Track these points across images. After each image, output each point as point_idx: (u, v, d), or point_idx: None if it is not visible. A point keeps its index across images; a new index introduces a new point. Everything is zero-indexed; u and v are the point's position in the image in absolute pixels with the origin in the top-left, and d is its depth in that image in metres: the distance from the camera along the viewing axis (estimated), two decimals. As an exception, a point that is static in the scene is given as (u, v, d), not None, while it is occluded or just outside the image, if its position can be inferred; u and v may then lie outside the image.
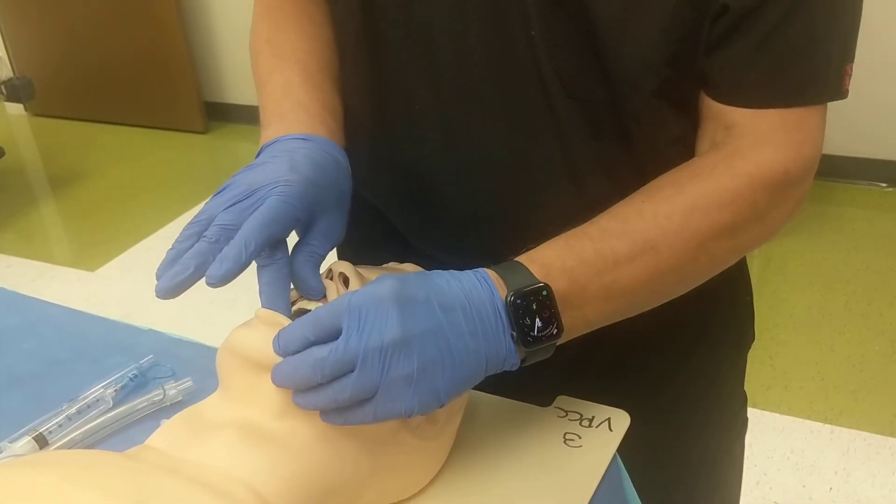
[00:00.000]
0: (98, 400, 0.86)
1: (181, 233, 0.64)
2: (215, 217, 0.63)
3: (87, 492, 0.47)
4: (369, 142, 0.83)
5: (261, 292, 0.63)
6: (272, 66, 0.82)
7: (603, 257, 0.64)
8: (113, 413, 0.84)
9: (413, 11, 0.74)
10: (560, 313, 0.62)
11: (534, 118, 0.74)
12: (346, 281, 0.65)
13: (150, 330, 1.01)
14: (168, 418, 0.84)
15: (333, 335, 0.56)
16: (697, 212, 0.65)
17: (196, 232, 0.63)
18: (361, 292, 0.56)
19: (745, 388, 1.01)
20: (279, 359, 0.58)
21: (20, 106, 4.54)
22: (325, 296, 0.65)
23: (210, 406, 0.62)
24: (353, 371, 0.54)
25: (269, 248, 0.63)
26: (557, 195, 0.77)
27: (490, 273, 0.61)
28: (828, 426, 2.07)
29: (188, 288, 0.61)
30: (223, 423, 0.59)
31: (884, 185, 3.15)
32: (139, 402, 0.85)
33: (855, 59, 0.70)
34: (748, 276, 0.96)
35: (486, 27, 0.72)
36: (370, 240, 0.91)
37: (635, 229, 0.65)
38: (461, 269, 0.63)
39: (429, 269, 0.66)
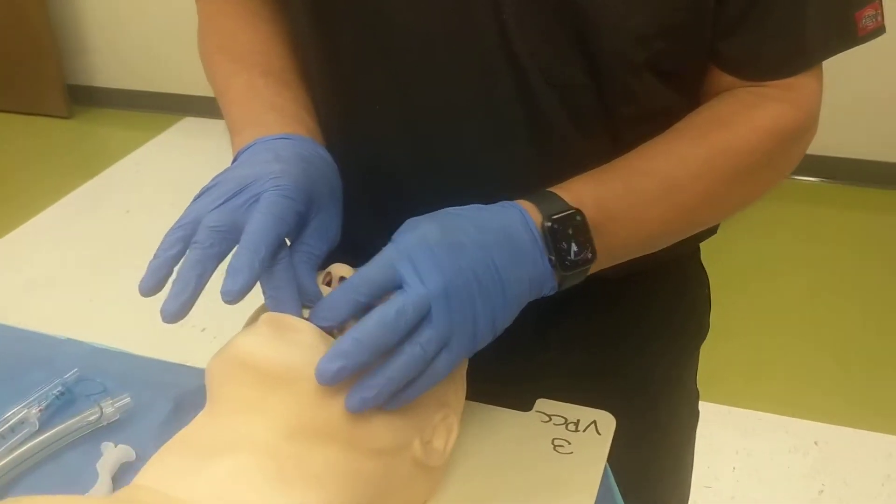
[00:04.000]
0: (22, 422, 0.76)
1: (164, 239, 0.56)
2: (203, 219, 0.55)
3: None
4: (331, 141, 0.77)
5: (268, 298, 0.56)
6: (230, 72, 0.75)
7: (632, 191, 0.67)
8: (43, 437, 0.74)
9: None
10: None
11: (507, 111, 0.70)
12: None
13: (70, 340, 0.91)
14: (108, 441, 0.75)
15: (385, 292, 0.54)
16: (719, 158, 0.69)
17: (182, 237, 0.55)
18: (406, 240, 0.55)
19: None
20: (292, 367, 0.51)
21: None
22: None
23: (202, 428, 0.54)
24: (426, 321, 0.53)
25: None
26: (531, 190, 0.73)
27: (521, 203, 0.62)
28: (726, 407, 2.14)
29: (193, 304, 0.53)
30: (225, 448, 0.51)
31: (817, 179, 3.22)
32: (72, 423, 0.76)
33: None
34: (704, 268, 0.96)
35: (450, 13, 0.67)
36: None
37: (662, 168, 0.68)
38: None
39: None
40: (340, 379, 0.51)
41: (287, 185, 0.57)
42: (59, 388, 0.80)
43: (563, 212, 0.62)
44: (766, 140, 0.69)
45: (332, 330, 0.55)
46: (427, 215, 0.58)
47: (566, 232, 0.61)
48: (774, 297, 2.59)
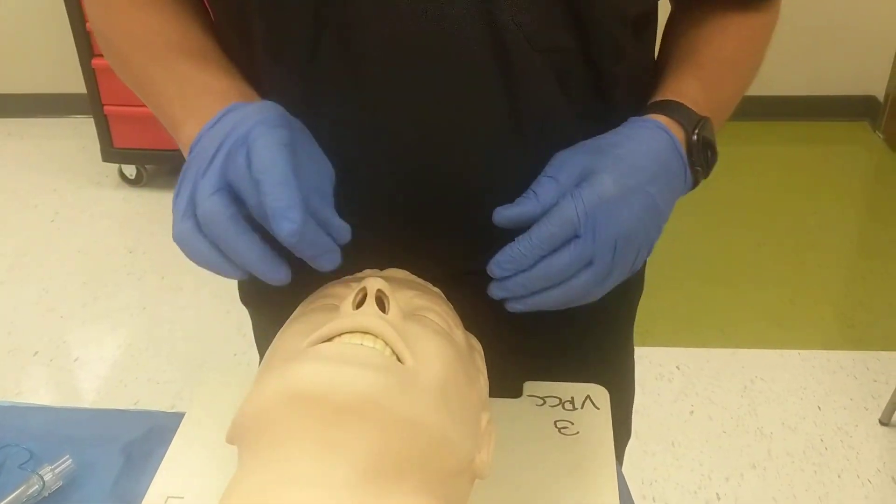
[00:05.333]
0: (-57, 514, 0.64)
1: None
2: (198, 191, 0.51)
3: None
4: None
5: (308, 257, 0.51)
6: (144, 61, 0.67)
7: (721, 81, 0.71)
8: (-22, 526, 0.62)
9: None
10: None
11: (487, 80, 0.64)
12: (379, 301, 0.52)
13: (-33, 402, 0.77)
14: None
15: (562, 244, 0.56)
16: (757, 34, 0.75)
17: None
18: (585, 197, 0.56)
19: None
20: (368, 395, 0.45)
21: None
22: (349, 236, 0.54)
23: (262, 475, 0.46)
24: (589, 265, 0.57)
25: None
26: (507, 165, 0.68)
27: (662, 120, 0.64)
28: (644, 348, 2.19)
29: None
30: (297, 496, 0.44)
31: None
32: (11, 500, 0.65)
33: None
34: None
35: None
36: None
37: (731, 54, 0.72)
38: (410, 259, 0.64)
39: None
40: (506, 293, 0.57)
41: (271, 116, 0.53)
42: (-23, 463, 0.68)
43: (698, 122, 0.64)
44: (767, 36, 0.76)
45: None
46: (592, 149, 0.60)
47: (706, 141, 0.64)
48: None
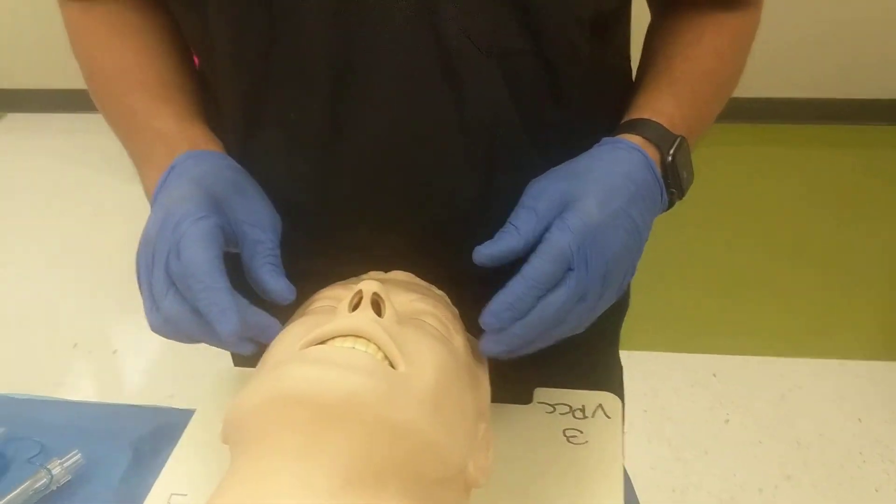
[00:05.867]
0: (-49, 504, 0.65)
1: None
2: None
3: None
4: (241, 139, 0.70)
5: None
6: (110, 98, 0.71)
7: (697, 96, 0.69)
8: (-15, 517, 0.63)
9: None
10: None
11: (434, 89, 0.63)
12: (374, 304, 0.51)
13: (-15, 394, 0.78)
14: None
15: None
16: (737, 41, 0.73)
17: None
18: (574, 227, 0.54)
19: None
20: (356, 394, 0.45)
21: None
22: (294, 296, 0.56)
23: (245, 488, 0.45)
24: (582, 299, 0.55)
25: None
26: (469, 178, 0.67)
27: (636, 141, 0.62)
28: (625, 352, 2.16)
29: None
30: None
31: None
32: (17, 494, 0.65)
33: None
34: None
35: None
36: None
37: (709, 66, 0.70)
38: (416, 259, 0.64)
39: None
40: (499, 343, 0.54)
41: (195, 200, 0.56)
42: (-11, 454, 0.69)
43: (673, 143, 0.63)
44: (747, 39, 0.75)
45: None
46: (568, 175, 0.58)
47: (681, 161, 0.64)
48: (662, 235, 2.64)
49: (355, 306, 0.51)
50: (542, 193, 0.57)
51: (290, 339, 0.51)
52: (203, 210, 0.56)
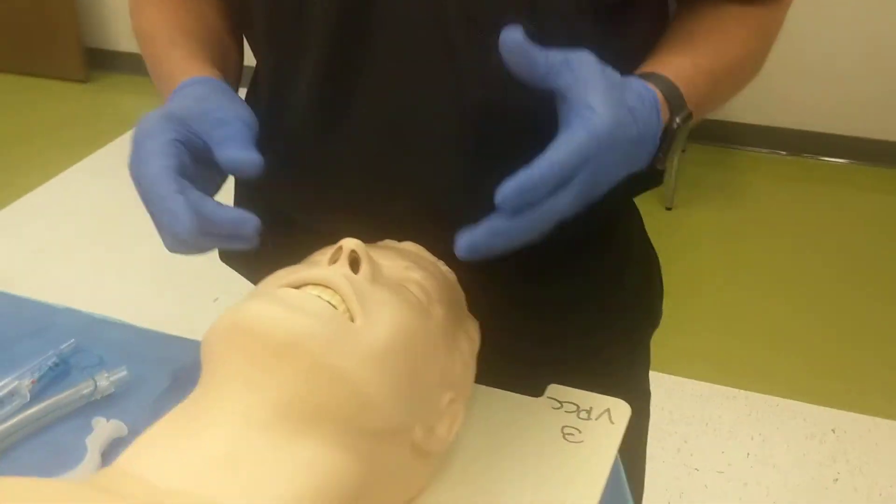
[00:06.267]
0: (13, 394, 0.74)
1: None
2: None
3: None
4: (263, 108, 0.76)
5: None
6: (148, 54, 0.78)
7: (713, 72, 0.69)
8: (33, 410, 0.71)
9: None
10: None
11: (435, 70, 0.67)
12: (353, 262, 0.55)
13: (68, 309, 0.88)
14: (101, 415, 0.73)
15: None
16: (757, 31, 0.74)
17: None
18: (597, 133, 0.53)
19: (661, 355, 0.98)
20: (301, 334, 0.49)
21: None
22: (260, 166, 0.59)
23: (193, 406, 0.51)
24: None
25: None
26: (464, 159, 0.70)
27: (659, 96, 0.63)
28: (743, 392, 2.10)
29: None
30: (214, 428, 0.48)
31: (784, 153, 3.22)
32: (65, 395, 0.73)
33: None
34: (652, 246, 0.93)
35: None
36: None
37: (724, 50, 0.71)
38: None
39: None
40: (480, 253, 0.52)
41: (149, 131, 0.59)
42: (54, 359, 0.78)
43: (683, 111, 0.64)
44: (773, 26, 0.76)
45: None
46: (611, 78, 0.57)
47: (680, 132, 0.64)
48: (792, 279, 2.54)
49: (335, 260, 0.55)
50: (583, 71, 0.56)
51: (273, 280, 0.55)
52: (158, 131, 0.59)
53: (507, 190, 0.52)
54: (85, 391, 0.74)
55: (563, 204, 0.54)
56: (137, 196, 0.58)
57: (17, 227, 2.87)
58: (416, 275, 0.59)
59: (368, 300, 0.53)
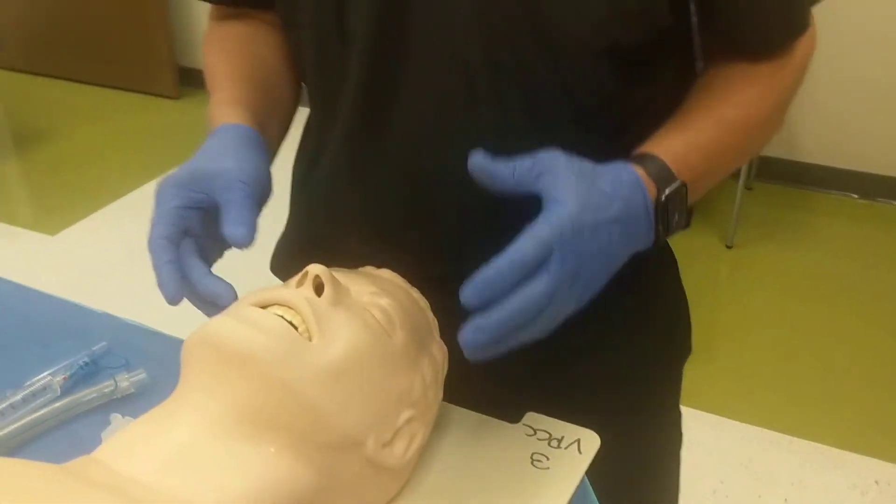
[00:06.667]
0: (45, 388, 0.82)
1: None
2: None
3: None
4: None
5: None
6: (208, 87, 0.85)
7: (713, 143, 0.72)
8: (60, 403, 0.79)
9: (342, 16, 0.73)
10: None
11: (461, 109, 0.72)
12: (319, 287, 0.61)
13: (106, 314, 0.96)
14: (117, 412, 0.80)
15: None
16: (767, 97, 0.76)
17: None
18: (563, 222, 0.57)
19: (709, 394, 1.00)
20: (252, 350, 0.55)
21: (-14, 58, 4.41)
22: (250, 242, 0.65)
23: (168, 408, 0.58)
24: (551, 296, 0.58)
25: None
26: (486, 197, 0.74)
27: (639, 172, 0.66)
28: (787, 436, 2.08)
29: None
30: (179, 432, 0.55)
31: (856, 196, 3.16)
32: (87, 393, 0.81)
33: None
34: (683, 289, 0.95)
35: (411, 26, 0.70)
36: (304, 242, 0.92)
37: (729, 115, 0.73)
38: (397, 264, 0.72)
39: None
40: (482, 352, 0.57)
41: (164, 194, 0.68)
42: (85, 359, 0.86)
43: (672, 184, 0.67)
44: (798, 73, 0.77)
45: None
46: (575, 171, 0.61)
47: (674, 205, 0.67)
48: (850, 326, 2.49)
49: (302, 284, 0.61)
50: (552, 162, 0.61)
51: (244, 299, 0.62)
52: (167, 197, 0.68)
53: (467, 288, 0.56)
54: (106, 390, 0.82)
55: (539, 293, 0.56)
56: None
57: (102, 232, 3.04)
58: (382, 300, 0.64)
59: (327, 321, 0.58)
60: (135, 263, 2.79)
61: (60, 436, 0.78)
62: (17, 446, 0.76)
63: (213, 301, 0.64)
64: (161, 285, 0.64)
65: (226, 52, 0.86)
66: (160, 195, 0.68)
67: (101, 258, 2.88)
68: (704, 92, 0.75)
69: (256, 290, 0.64)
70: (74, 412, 0.80)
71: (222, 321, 0.57)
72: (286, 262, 0.95)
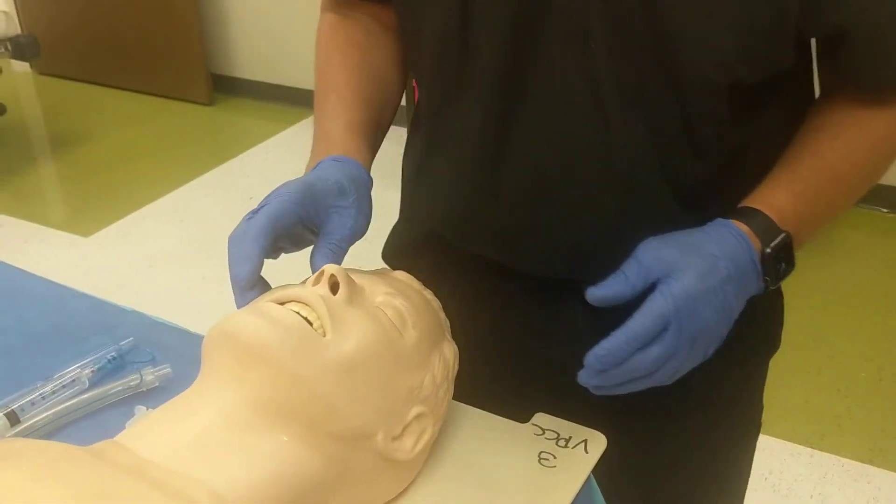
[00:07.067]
0: (74, 380, 0.85)
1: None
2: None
3: (40, 489, 0.46)
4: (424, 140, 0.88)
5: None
6: (317, 96, 0.88)
7: (819, 194, 0.74)
8: (87, 395, 0.83)
9: (467, 25, 0.75)
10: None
11: (586, 132, 0.75)
12: (335, 285, 0.64)
13: (134, 311, 1.00)
14: (142, 405, 0.84)
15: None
16: (876, 147, 0.76)
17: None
18: (675, 294, 0.63)
19: None
20: (270, 345, 0.57)
21: (26, 63, 4.51)
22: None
23: (187, 398, 0.61)
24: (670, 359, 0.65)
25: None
26: (607, 210, 0.79)
27: (743, 229, 0.70)
28: (808, 450, 2.07)
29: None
30: (196, 414, 0.58)
31: (885, 210, 3.14)
32: (114, 385, 0.84)
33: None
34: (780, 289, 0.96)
35: (541, 39, 0.72)
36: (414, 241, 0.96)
37: (836, 165, 0.75)
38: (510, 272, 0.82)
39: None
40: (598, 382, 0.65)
41: (287, 195, 0.69)
42: (113, 354, 0.89)
43: (777, 237, 0.70)
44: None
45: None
46: (679, 244, 0.67)
47: (779, 255, 0.71)
48: (875, 339, 2.47)
49: (318, 282, 0.64)
50: (654, 253, 0.67)
51: (265, 296, 0.65)
52: (288, 196, 0.69)
53: (590, 358, 0.64)
54: (132, 383, 0.85)
55: (651, 360, 0.64)
56: (249, 209, 0.71)
57: (134, 234, 3.11)
58: (395, 300, 0.67)
59: (340, 318, 0.61)
60: (165, 265, 2.87)
61: (88, 425, 0.82)
62: (46, 434, 0.80)
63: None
64: (235, 272, 0.66)
65: (347, 64, 0.88)
66: (283, 188, 0.70)
67: (133, 259, 2.93)
68: (813, 137, 0.76)
69: (277, 287, 0.67)
70: (101, 404, 0.83)
71: (241, 316, 0.60)
72: (397, 253, 1.00)
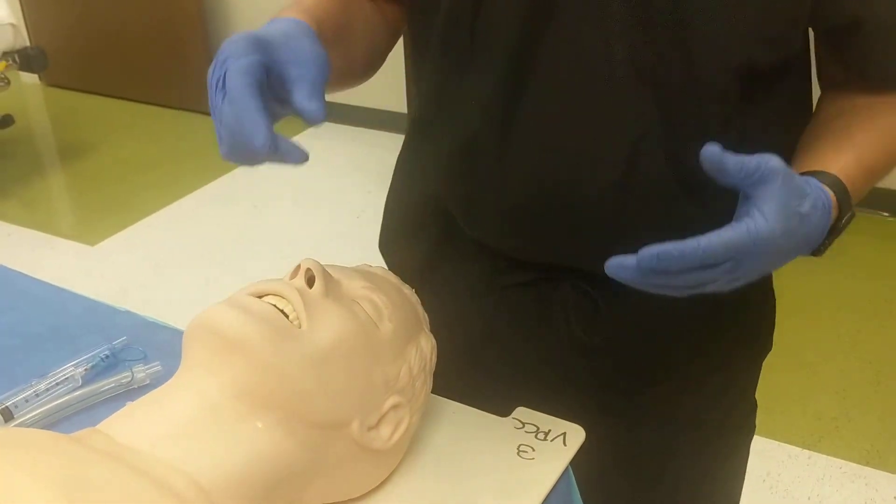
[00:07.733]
0: (67, 378, 0.87)
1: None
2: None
3: (17, 473, 0.48)
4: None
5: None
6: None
7: (872, 171, 0.75)
8: (79, 392, 0.85)
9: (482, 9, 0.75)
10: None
11: (596, 108, 0.76)
12: (311, 279, 0.66)
13: (127, 311, 1.02)
14: (132, 401, 0.86)
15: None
16: None
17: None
18: (752, 239, 0.60)
19: None
20: (247, 336, 0.59)
21: (35, 75, 4.56)
22: (324, 118, 0.62)
23: (167, 388, 0.63)
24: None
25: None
26: (609, 188, 0.78)
27: (833, 199, 0.70)
28: (806, 451, 2.08)
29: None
30: (175, 408, 0.60)
31: (886, 214, 3.14)
32: (106, 383, 0.87)
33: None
34: (772, 284, 0.98)
35: (556, 13, 0.73)
36: (414, 222, 0.95)
37: (885, 141, 0.77)
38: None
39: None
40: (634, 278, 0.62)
41: (237, 50, 0.63)
42: (106, 353, 0.91)
43: (847, 213, 0.72)
44: None
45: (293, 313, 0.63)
46: (790, 188, 0.63)
47: (842, 231, 0.72)
48: (873, 343, 2.48)
49: (295, 276, 0.66)
50: (769, 180, 0.62)
51: (243, 289, 0.67)
52: (245, 51, 0.62)
53: (647, 252, 0.60)
54: (124, 380, 0.88)
55: (695, 280, 0.62)
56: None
57: (141, 243, 3.14)
58: (372, 294, 0.68)
59: (316, 310, 0.63)
60: (170, 273, 2.90)
61: (81, 421, 0.84)
62: (44, 428, 0.82)
63: (286, 156, 0.62)
64: (253, 131, 0.58)
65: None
66: (232, 47, 0.64)
67: (139, 267, 2.97)
68: (854, 118, 0.78)
69: (254, 281, 0.69)
70: (94, 400, 0.86)
71: (219, 308, 0.62)
72: (393, 239, 0.99)
